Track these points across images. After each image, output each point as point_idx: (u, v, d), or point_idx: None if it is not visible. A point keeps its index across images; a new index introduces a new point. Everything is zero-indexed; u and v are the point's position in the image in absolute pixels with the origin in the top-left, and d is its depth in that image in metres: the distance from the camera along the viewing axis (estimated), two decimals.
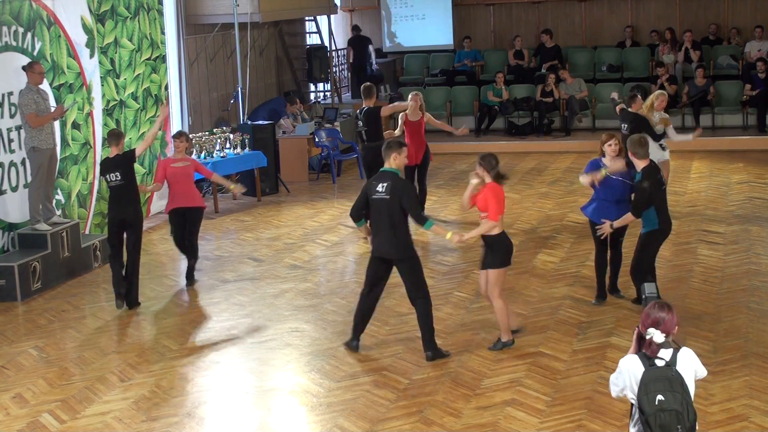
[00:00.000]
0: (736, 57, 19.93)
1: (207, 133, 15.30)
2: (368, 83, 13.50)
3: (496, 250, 8.46)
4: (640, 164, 8.99)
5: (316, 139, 16.86)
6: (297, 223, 13.82)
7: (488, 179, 8.39)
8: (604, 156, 9.57)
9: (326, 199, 15.41)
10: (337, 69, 21.96)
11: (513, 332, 8.76)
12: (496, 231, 8.40)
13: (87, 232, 12.52)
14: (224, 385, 8.19)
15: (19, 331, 9.79)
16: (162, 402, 7.87)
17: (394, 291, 10.34)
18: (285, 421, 7.56)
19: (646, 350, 4.88)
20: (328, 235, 13.05)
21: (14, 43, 11.38)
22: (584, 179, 9.55)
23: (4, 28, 11.21)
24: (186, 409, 7.71)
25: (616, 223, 9.22)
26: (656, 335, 4.85)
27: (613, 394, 5.03)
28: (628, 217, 9.11)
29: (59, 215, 11.68)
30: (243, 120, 16.39)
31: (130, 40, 13.73)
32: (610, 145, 9.51)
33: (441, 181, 16.17)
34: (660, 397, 4.75)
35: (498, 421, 7.24)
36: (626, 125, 12.10)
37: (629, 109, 12.23)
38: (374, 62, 21.35)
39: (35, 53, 11.68)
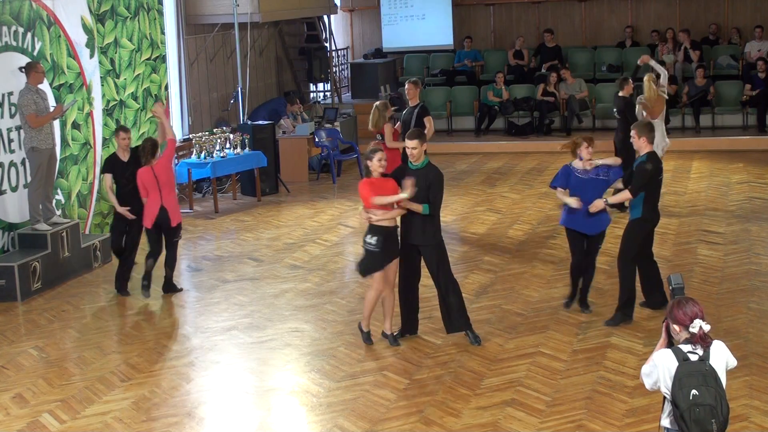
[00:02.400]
0: (736, 57, 19.93)
1: (207, 133, 15.30)
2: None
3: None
4: (644, 149, 8.91)
5: (316, 139, 16.86)
6: (297, 223, 13.82)
7: None
8: (581, 158, 9.24)
9: (326, 199, 15.41)
10: (338, 69, 21.97)
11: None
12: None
13: (87, 232, 12.52)
14: (224, 385, 8.19)
15: (19, 331, 9.78)
16: (162, 402, 7.87)
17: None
18: (285, 421, 7.56)
19: (697, 342, 4.88)
20: (328, 235, 13.05)
21: (14, 43, 11.38)
22: (573, 203, 9.08)
23: (4, 28, 11.21)
24: (186, 409, 7.71)
25: (612, 199, 9.19)
26: (704, 325, 4.90)
27: (647, 386, 5.04)
28: (625, 194, 8.92)
29: (59, 215, 11.67)
30: (243, 120, 16.39)
31: (130, 40, 13.73)
32: (587, 147, 9.24)
33: None
34: (694, 392, 4.78)
35: (498, 421, 7.24)
36: (616, 110, 13.48)
37: (620, 94, 13.26)
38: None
39: (35, 53, 11.68)
